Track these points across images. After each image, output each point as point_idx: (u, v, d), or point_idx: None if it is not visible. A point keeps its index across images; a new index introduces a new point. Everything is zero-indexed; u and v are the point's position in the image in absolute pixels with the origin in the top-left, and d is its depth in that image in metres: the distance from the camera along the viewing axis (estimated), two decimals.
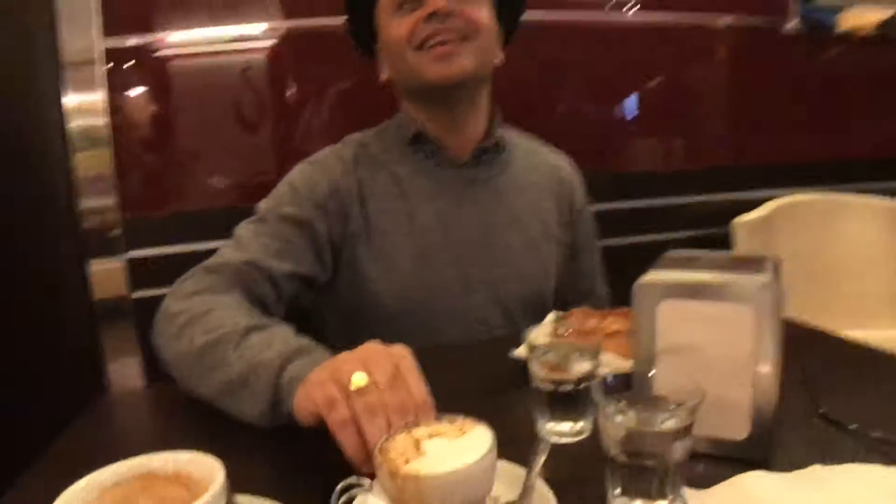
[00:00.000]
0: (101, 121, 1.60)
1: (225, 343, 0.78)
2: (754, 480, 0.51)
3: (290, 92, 1.72)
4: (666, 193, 1.94)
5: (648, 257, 0.69)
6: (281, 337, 0.78)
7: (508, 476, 0.55)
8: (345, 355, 0.67)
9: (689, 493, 0.50)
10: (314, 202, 1.06)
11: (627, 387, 0.56)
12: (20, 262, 1.77)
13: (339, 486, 0.51)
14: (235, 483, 0.54)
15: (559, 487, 0.60)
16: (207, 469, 0.48)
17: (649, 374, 0.57)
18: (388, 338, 1.02)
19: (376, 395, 0.60)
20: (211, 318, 0.83)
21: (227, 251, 1.01)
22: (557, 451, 0.67)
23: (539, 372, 0.68)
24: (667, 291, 0.60)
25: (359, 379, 0.60)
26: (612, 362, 0.79)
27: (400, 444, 0.51)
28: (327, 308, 1.14)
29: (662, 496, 0.51)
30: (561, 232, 1.22)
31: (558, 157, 1.28)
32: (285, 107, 1.72)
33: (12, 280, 1.76)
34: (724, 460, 0.60)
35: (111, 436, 0.83)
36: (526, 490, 0.53)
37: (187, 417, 0.83)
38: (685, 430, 0.50)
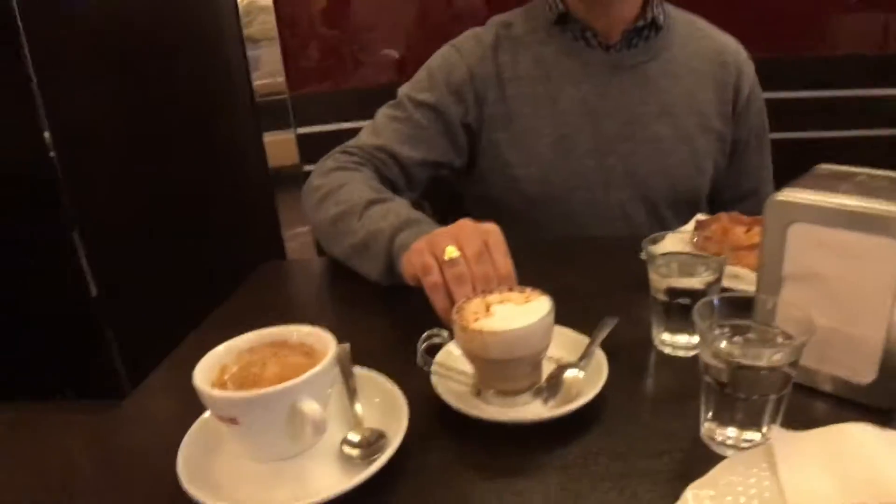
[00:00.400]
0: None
1: (351, 214, 0.88)
2: (856, 433, 0.47)
3: None
4: (862, 83, 1.66)
5: (832, 156, 0.62)
6: (395, 210, 0.86)
7: (574, 344, 0.64)
8: (442, 230, 0.76)
9: (780, 431, 0.48)
10: (449, 87, 1.06)
11: (747, 309, 0.54)
12: (211, 134, 1.98)
13: (423, 335, 0.61)
14: (354, 357, 0.61)
15: (658, 399, 0.61)
16: (325, 342, 0.55)
17: (769, 301, 0.53)
18: (528, 226, 1.06)
19: (464, 266, 0.69)
20: (342, 192, 0.93)
21: (364, 134, 1.07)
22: (668, 362, 0.67)
23: (656, 281, 0.66)
24: (801, 213, 0.54)
25: (451, 251, 0.69)
26: (746, 277, 0.75)
27: (474, 305, 0.61)
28: (470, 194, 1.16)
29: (755, 428, 0.50)
30: (721, 124, 1.09)
31: (726, 39, 1.13)
32: None
33: (200, 150, 1.99)
34: (846, 403, 0.56)
35: (269, 299, 0.94)
36: (585, 354, 0.62)
37: (326, 293, 0.97)
38: (789, 367, 0.48)
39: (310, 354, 0.55)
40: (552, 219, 1.07)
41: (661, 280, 0.66)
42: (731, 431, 0.51)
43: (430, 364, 0.61)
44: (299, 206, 1.85)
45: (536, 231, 1.07)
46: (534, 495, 0.49)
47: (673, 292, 0.65)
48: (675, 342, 0.67)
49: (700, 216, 0.95)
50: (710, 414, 0.52)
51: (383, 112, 1.08)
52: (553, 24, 1.06)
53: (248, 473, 0.51)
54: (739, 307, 0.54)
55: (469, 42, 1.09)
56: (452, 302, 0.65)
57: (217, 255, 2.08)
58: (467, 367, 0.61)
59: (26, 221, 2.24)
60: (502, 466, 0.52)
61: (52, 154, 2.10)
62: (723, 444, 0.51)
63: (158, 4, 1.89)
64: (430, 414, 0.57)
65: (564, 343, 0.64)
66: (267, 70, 1.83)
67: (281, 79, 1.80)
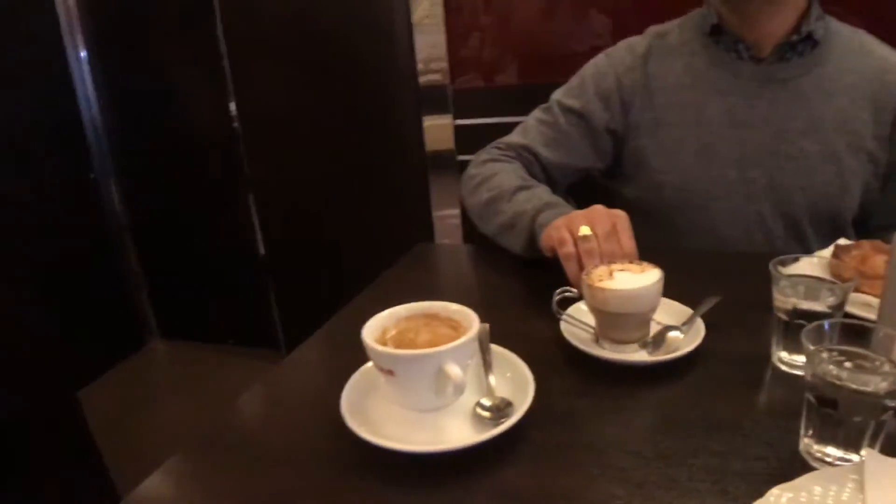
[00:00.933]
0: None
1: (501, 198, 1.04)
2: None
3: None
4: None
5: None
6: (538, 195, 1.02)
7: (680, 314, 0.78)
8: (577, 212, 0.90)
9: (875, 454, 0.52)
10: (597, 94, 1.14)
11: (862, 336, 0.57)
12: (376, 115, 2.15)
13: (557, 291, 0.77)
14: (492, 336, 0.71)
15: (765, 410, 0.66)
16: (469, 319, 0.65)
17: (882, 331, 0.56)
18: (668, 230, 1.11)
19: (594, 242, 0.83)
20: (494, 180, 1.08)
21: (515, 132, 1.19)
22: (782, 378, 0.71)
23: (779, 300, 0.70)
24: None
25: (584, 230, 0.84)
26: (870, 306, 0.76)
27: (599, 271, 0.77)
28: (615, 194, 1.22)
29: (853, 450, 0.54)
30: (875, 145, 1.06)
31: (893, 56, 1.08)
32: None
33: (366, 130, 2.16)
34: None
35: (421, 277, 1.07)
36: (688, 321, 0.76)
37: (472, 276, 1.09)
38: (891, 396, 0.51)
39: (455, 328, 0.66)
40: (691, 226, 1.11)
41: (784, 300, 0.69)
42: (829, 450, 0.55)
43: (560, 314, 0.77)
44: (449, 189, 1.99)
45: (676, 237, 1.12)
46: (634, 430, 0.60)
47: (794, 313, 0.69)
48: (792, 361, 0.70)
49: (842, 241, 0.95)
50: (811, 431, 0.56)
51: (535, 114, 1.20)
52: (707, 35, 1.09)
53: (396, 417, 0.63)
54: (855, 334, 0.57)
55: (621, 51, 1.16)
56: (582, 270, 0.79)
57: (373, 227, 2.26)
58: (591, 320, 0.77)
59: (212, 182, 2.55)
60: (610, 401, 0.67)
61: (235, 125, 2.37)
62: (820, 460, 0.55)
63: None
64: (555, 359, 0.74)
65: (673, 313, 0.79)
66: (431, 60, 1.97)
67: (444, 65, 1.93)
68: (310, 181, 2.34)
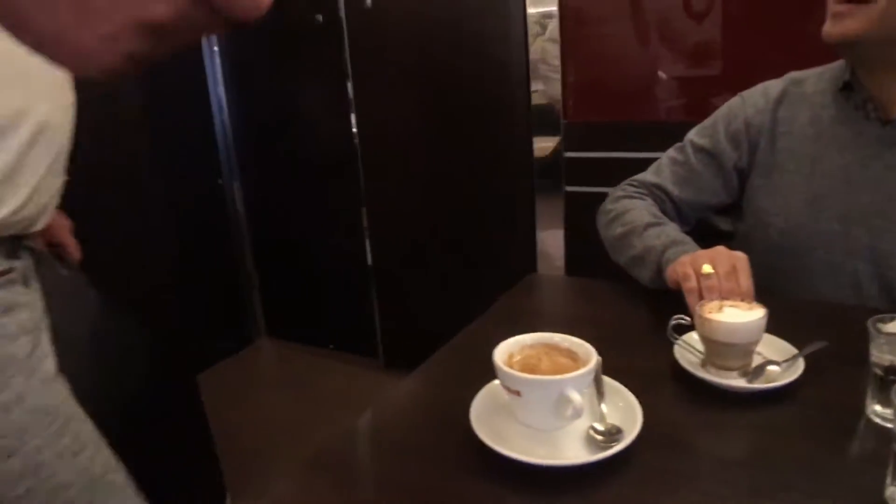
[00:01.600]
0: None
1: (632, 233, 1.15)
2: None
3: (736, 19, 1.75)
4: None
5: None
6: (667, 232, 1.13)
7: (784, 352, 0.87)
8: (702, 251, 1.02)
9: None
10: (727, 134, 1.21)
11: None
12: (487, 142, 2.26)
13: (673, 318, 0.89)
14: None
15: (855, 457, 0.72)
16: (587, 352, 0.74)
17: None
18: (768, 271, 1.17)
19: (715, 280, 0.93)
20: (627, 216, 1.20)
21: (649, 171, 1.29)
22: (874, 429, 0.76)
23: (875, 356, 0.76)
24: None
25: (707, 268, 0.95)
26: None
27: (711, 305, 0.88)
28: (730, 228, 1.29)
29: None
30: None
31: None
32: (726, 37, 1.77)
33: (476, 156, 2.27)
34: None
35: (532, 306, 1.18)
36: (790, 359, 0.85)
37: (580, 310, 1.19)
38: None
39: (574, 359, 0.75)
40: (791, 270, 1.16)
41: (881, 356, 0.75)
42: None
43: (675, 338, 0.89)
44: (554, 212, 2.07)
45: (777, 278, 1.17)
46: (730, 460, 0.69)
47: (890, 370, 0.74)
48: (885, 414, 0.75)
49: None
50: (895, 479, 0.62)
51: (668, 153, 1.29)
52: (839, 90, 1.13)
53: (518, 432, 0.73)
54: None
55: (756, 93, 1.23)
56: None
57: (476, 247, 2.38)
58: (700, 347, 0.88)
59: (329, 194, 2.74)
60: (709, 431, 0.76)
61: (355, 142, 2.55)
62: None
63: (456, 23, 2.22)
64: (661, 388, 0.85)
65: (778, 349, 0.88)
66: (546, 92, 2.06)
67: (558, 97, 2.03)
68: (419, 199, 2.48)
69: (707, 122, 1.27)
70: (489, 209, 2.34)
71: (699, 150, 1.25)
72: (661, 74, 1.87)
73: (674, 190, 1.25)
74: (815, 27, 1.06)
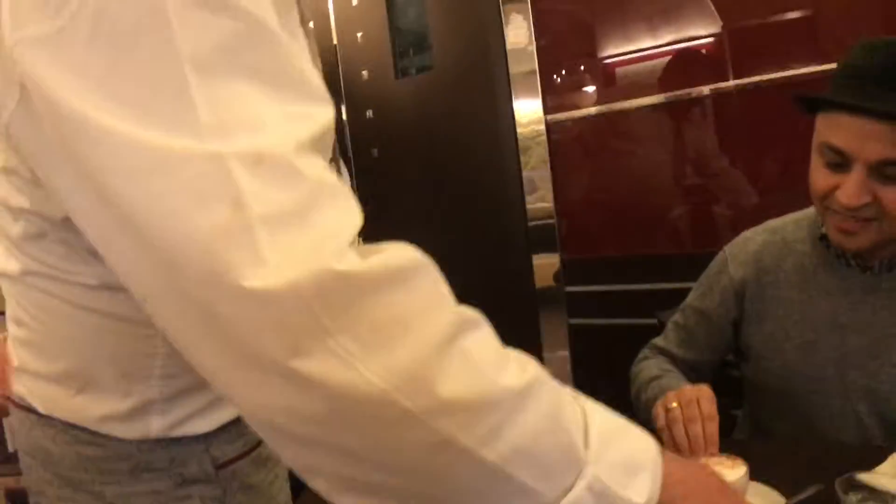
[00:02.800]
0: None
1: (642, 390, 1.24)
2: None
3: (733, 146, 1.84)
4: None
5: None
6: (660, 384, 1.19)
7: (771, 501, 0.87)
8: (671, 392, 1.06)
9: None
10: (717, 290, 1.25)
11: None
12: (484, 248, 2.27)
13: None
14: None
15: None
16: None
17: None
18: (771, 410, 1.18)
19: (678, 412, 1.00)
20: (640, 376, 1.28)
21: (660, 336, 1.34)
22: None
23: None
24: None
25: (672, 404, 1.01)
26: None
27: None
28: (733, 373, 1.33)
29: None
30: None
31: None
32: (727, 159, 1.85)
33: (471, 258, 2.27)
34: None
35: None
36: None
37: None
38: None
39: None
40: (792, 413, 1.17)
41: None
42: None
43: None
44: (559, 327, 2.06)
45: (779, 419, 1.21)
46: None
47: None
48: None
49: None
50: None
51: (672, 318, 1.34)
52: (818, 239, 1.15)
53: None
54: None
55: (737, 246, 1.27)
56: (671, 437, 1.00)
57: None
58: None
59: None
60: None
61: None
62: None
63: (460, 119, 2.31)
64: None
65: (767, 501, 0.87)
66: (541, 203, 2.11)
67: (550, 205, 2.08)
68: None
69: (699, 281, 1.32)
70: (492, 321, 2.27)
71: (694, 311, 1.29)
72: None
73: (678, 352, 1.30)
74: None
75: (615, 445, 0.54)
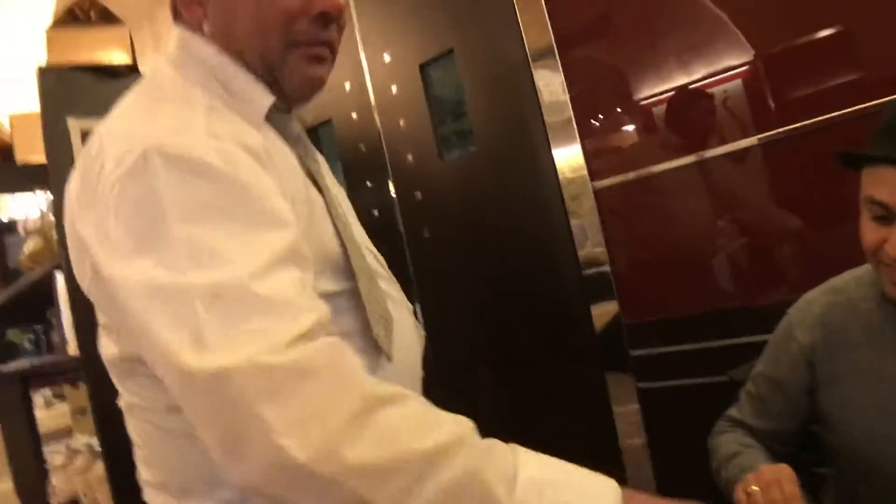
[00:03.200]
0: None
1: (722, 467, 1.21)
2: None
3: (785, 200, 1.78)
4: None
5: None
6: (738, 463, 1.16)
7: None
8: (750, 475, 1.03)
9: None
10: (787, 357, 1.21)
11: None
12: (541, 301, 2.24)
13: None
14: None
15: None
16: None
17: None
18: (853, 472, 1.12)
19: (759, 497, 0.98)
20: (719, 451, 1.25)
21: (734, 407, 1.31)
22: None
23: None
24: None
25: (752, 488, 0.99)
26: None
27: None
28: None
29: None
30: None
31: None
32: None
33: (528, 312, 2.24)
34: None
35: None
36: None
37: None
38: None
39: None
40: (875, 476, 1.11)
41: None
42: None
43: None
44: (623, 383, 1.98)
45: (863, 491, 1.14)
46: None
47: None
48: None
49: None
50: None
51: (745, 386, 1.30)
52: (885, 299, 1.12)
53: None
54: None
55: (800, 311, 1.23)
56: None
57: (549, 428, 2.22)
58: None
59: None
60: None
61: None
62: None
63: (504, 185, 2.31)
64: None
65: None
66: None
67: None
68: (487, 411, 2.41)
69: (767, 347, 1.28)
70: (552, 373, 2.23)
71: (766, 379, 1.25)
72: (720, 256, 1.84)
73: (754, 423, 1.25)
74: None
75: (549, 492, 0.63)
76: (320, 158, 1.01)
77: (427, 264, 2.57)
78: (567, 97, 2.01)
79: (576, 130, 2.01)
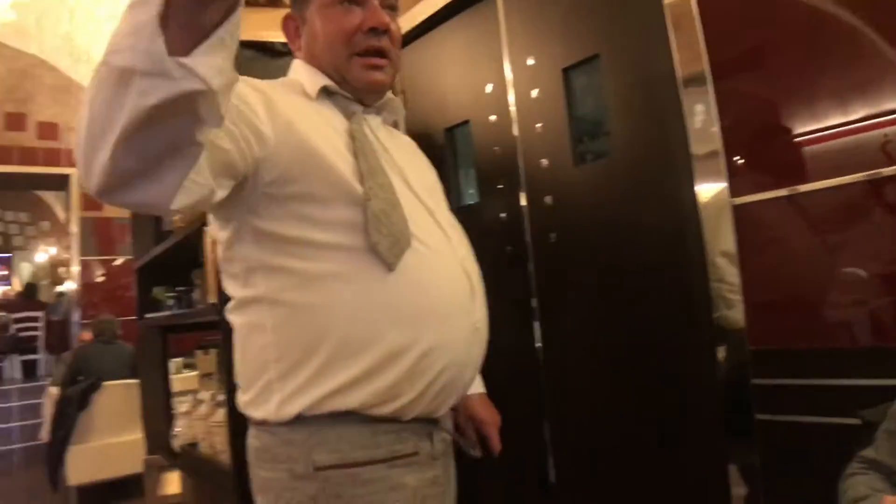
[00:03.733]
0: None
1: None
2: None
3: None
4: None
5: None
6: None
7: None
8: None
9: None
10: None
11: None
12: (665, 329, 2.19)
13: None
14: None
15: None
16: None
17: None
18: None
19: None
20: (849, 493, 1.25)
21: (870, 447, 1.30)
22: None
23: None
24: None
25: None
26: None
27: None
28: None
29: None
30: None
31: None
32: None
33: (652, 341, 2.21)
34: None
35: None
36: None
37: None
38: None
39: None
40: None
41: None
42: None
43: None
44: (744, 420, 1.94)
45: None
46: None
47: None
48: None
49: None
50: None
51: (882, 426, 1.28)
52: None
53: None
54: None
55: None
56: None
57: (665, 464, 2.23)
58: None
59: (511, 405, 2.80)
60: None
61: (538, 357, 2.66)
62: None
63: (638, 203, 2.29)
64: None
65: None
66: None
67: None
68: (602, 413, 2.43)
69: None
70: (674, 436, 2.20)
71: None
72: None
73: (894, 464, 1.22)
74: None
75: None
76: (400, 137, 1.49)
77: (552, 265, 2.59)
78: (717, 128, 1.94)
79: (723, 163, 1.94)
